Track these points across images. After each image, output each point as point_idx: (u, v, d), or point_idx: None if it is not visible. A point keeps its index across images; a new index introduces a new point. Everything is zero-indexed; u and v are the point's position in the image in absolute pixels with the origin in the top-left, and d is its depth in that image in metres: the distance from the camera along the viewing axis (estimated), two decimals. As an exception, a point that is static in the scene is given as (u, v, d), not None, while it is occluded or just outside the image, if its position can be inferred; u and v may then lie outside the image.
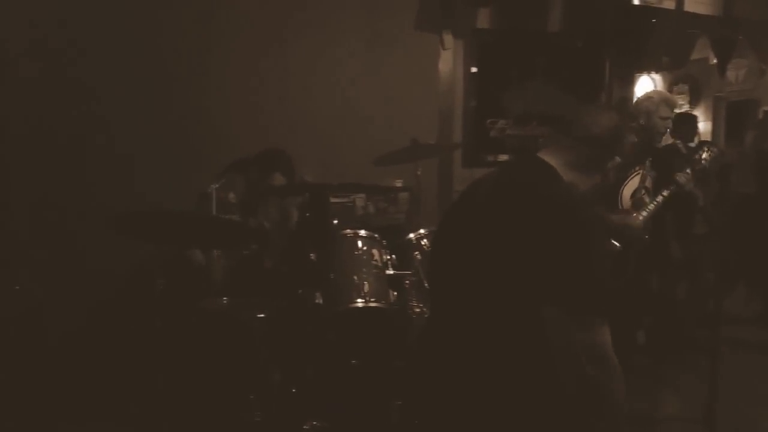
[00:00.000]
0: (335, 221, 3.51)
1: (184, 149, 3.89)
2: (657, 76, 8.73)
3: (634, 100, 3.71)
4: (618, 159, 1.67)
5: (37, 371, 3.26)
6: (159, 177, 3.77)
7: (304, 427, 2.70)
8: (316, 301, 2.73)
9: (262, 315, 2.80)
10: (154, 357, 2.79)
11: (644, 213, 3.23)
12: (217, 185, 3.02)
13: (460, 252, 1.60)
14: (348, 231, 2.88)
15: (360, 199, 4.17)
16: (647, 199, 3.36)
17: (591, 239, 1.48)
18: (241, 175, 3.26)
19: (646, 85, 8.87)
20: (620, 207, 3.40)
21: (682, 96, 8.50)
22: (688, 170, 3.31)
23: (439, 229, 1.81)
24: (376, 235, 2.95)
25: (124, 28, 3.80)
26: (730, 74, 7.85)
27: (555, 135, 1.71)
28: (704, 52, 5.54)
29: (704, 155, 3.38)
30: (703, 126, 7.04)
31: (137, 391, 3.17)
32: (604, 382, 1.42)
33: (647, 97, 3.57)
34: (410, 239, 3.30)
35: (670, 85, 8.64)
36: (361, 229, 2.98)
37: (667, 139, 4.94)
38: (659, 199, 3.26)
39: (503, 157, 4.94)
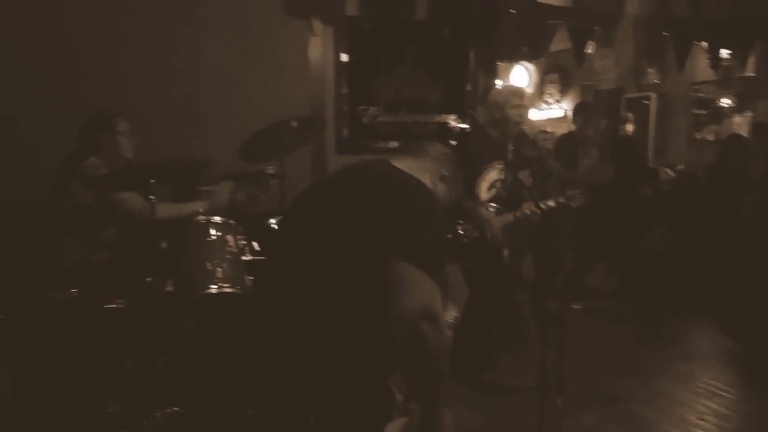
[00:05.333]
0: (200, 210, 3.45)
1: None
2: (531, 66, 9.16)
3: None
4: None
5: None
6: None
7: (156, 414, 2.68)
8: (167, 289, 2.70)
9: (112, 305, 2.75)
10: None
11: (507, 220, 3.56)
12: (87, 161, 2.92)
13: (309, 236, 1.69)
14: (200, 217, 2.85)
15: (228, 186, 4.10)
16: (503, 193, 3.64)
17: (440, 211, 1.65)
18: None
19: (520, 74, 9.30)
20: (478, 198, 3.60)
21: (554, 85, 8.98)
22: (544, 205, 3.60)
23: (287, 215, 1.95)
24: (231, 222, 2.95)
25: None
26: (596, 64, 8.37)
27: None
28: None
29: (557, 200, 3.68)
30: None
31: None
32: (432, 340, 1.47)
33: (497, 92, 3.75)
34: (270, 224, 3.35)
35: (542, 75, 9.09)
36: (221, 216, 2.96)
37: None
38: (519, 215, 3.58)
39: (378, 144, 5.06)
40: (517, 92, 3.72)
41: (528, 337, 3.97)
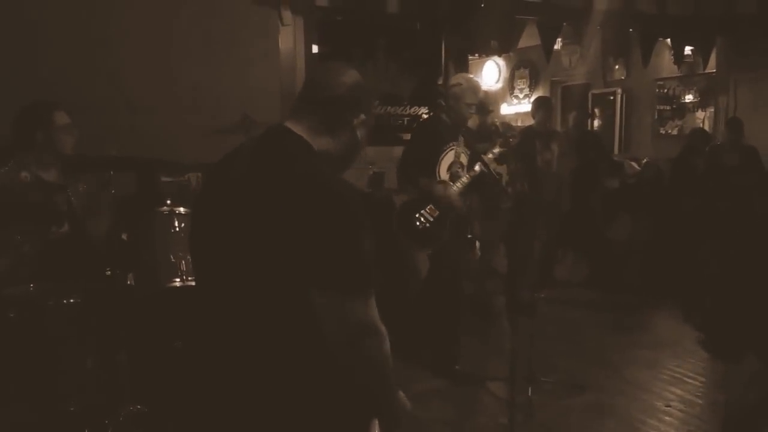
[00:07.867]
0: (168, 201, 3.36)
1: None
2: (501, 62, 9.21)
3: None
4: (363, 116, 1.56)
5: None
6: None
7: (119, 412, 2.60)
8: (128, 282, 2.61)
9: (71, 300, 2.64)
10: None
11: (458, 185, 3.59)
12: (5, 168, 2.73)
13: (221, 235, 1.49)
14: (164, 208, 2.77)
15: (195, 177, 4.01)
16: (461, 172, 3.67)
17: (350, 213, 1.41)
18: (28, 151, 2.84)
19: (491, 69, 9.35)
20: (438, 178, 3.64)
21: (523, 80, 9.05)
22: (495, 150, 3.66)
23: (196, 206, 1.67)
24: (196, 213, 2.85)
25: None
26: (564, 59, 8.44)
27: (297, 101, 1.58)
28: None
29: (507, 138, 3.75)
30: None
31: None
32: (376, 353, 1.45)
33: (457, 83, 3.76)
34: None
35: (512, 70, 9.15)
36: (181, 206, 2.87)
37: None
38: (471, 173, 3.61)
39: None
40: (474, 88, 3.77)
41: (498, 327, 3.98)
